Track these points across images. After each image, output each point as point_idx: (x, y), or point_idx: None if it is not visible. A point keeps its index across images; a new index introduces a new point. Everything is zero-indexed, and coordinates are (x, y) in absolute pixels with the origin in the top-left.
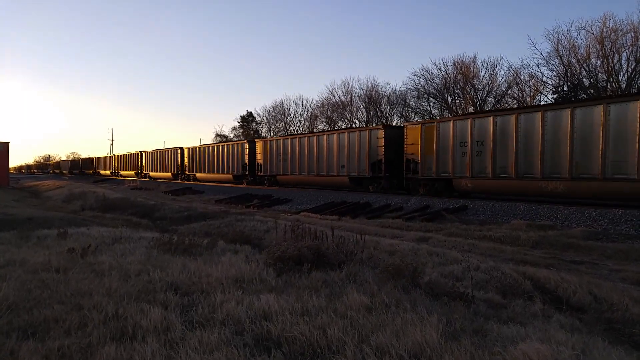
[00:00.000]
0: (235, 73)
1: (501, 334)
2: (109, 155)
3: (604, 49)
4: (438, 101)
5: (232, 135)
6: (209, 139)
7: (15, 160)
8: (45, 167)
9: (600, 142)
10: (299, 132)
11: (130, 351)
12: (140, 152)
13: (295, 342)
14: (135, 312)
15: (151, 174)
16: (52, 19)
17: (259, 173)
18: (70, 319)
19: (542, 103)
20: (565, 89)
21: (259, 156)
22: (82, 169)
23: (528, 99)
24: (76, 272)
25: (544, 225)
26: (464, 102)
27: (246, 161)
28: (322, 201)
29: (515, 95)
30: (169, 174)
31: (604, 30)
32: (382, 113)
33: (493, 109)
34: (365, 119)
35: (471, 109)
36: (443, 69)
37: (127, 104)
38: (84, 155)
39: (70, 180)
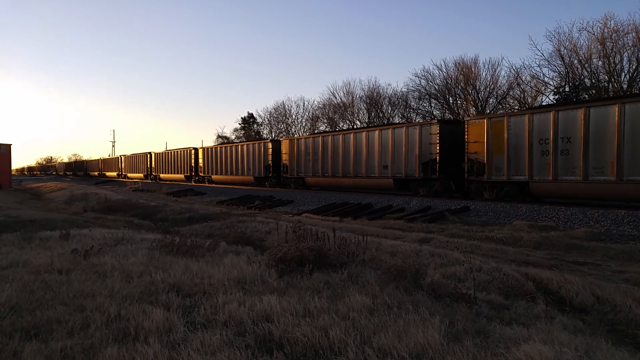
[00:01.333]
0: (236, 74)
1: (504, 335)
2: (115, 156)
3: (606, 49)
4: (439, 102)
5: (233, 137)
6: (210, 140)
7: (17, 162)
8: (47, 169)
9: None
10: (300, 133)
11: (132, 352)
12: (150, 153)
13: (297, 344)
14: (138, 314)
15: (162, 175)
16: (54, 20)
17: (284, 175)
18: (72, 320)
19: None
20: (567, 89)
21: (284, 156)
22: (86, 171)
23: (529, 100)
24: (78, 273)
25: (546, 226)
26: (465, 103)
27: (269, 162)
28: (324, 202)
29: (517, 96)
30: (182, 176)
31: (605, 30)
32: (384, 114)
33: (581, 99)
34: (366, 120)
35: (472, 110)
36: (444, 69)
37: (128, 106)
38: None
39: (73, 182)
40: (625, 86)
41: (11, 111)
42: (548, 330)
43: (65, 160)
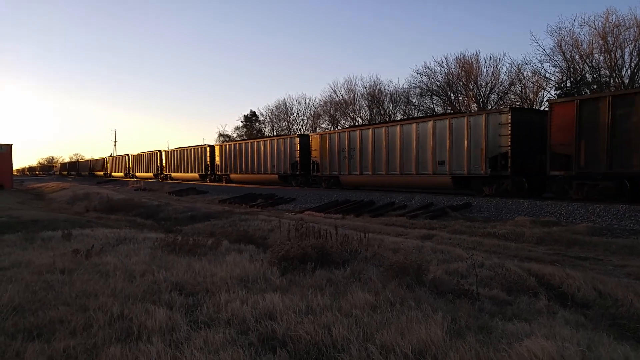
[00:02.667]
0: (237, 72)
1: (506, 330)
2: (121, 154)
3: (607, 44)
4: (441, 98)
5: (235, 135)
6: (212, 139)
7: (19, 162)
8: (48, 169)
9: None
10: (302, 131)
11: (135, 352)
12: (160, 151)
13: (300, 341)
14: (140, 313)
15: (174, 175)
16: (54, 20)
17: (314, 173)
18: (75, 320)
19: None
20: (568, 84)
21: (314, 153)
22: (91, 170)
23: (531, 96)
24: (81, 273)
25: (548, 221)
26: (466, 99)
27: (297, 159)
28: (326, 200)
29: (519, 91)
30: (196, 175)
31: (607, 25)
32: (385, 111)
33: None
34: (368, 117)
35: (474, 106)
36: (445, 66)
37: (128, 106)
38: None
39: (74, 182)
40: (627, 81)
41: (12, 111)
42: (550, 325)
43: (67, 159)
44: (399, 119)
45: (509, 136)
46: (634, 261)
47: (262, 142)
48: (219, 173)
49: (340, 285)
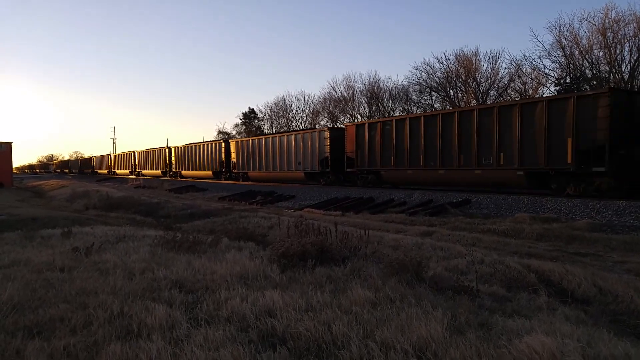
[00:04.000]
0: (236, 70)
1: (506, 327)
2: (127, 152)
3: (607, 40)
4: (440, 95)
5: (234, 133)
6: (211, 136)
7: (19, 160)
8: (48, 167)
9: None
10: (301, 127)
11: (135, 349)
12: (168, 147)
13: (300, 338)
14: (140, 310)
15: (184, 172)
16: (54, 18)
17: (349, 169)
18: (75, 317)
19: (544, 95)
20: (568, 80)
21: (348, 146)
22: (94, 168)
23: (530, 92)
24: (81, 271)
25: (548, 217)
26: (466, 95)
27: (327, 154)
28: (325, 197)
29: (518, 88)
30: (209, 173)
31: (606, 21)
32: (384, 108)
33: None
34: (367, 114)
35: (474, 103)
36: (445, 62)
37: (127, 102)
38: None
39: (74, 179)
40: (626, 77)
41: (11, 109)
42: (550, 321)
43: (67, 157)
44: (474, 105)
45: (608, 120)
46: (634, 257)
47: (285, 137)
48: (235, 171)
49: (340, 282)
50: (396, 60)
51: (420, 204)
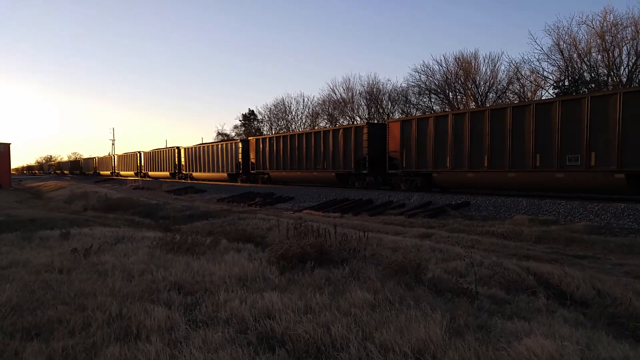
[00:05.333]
0: (236, 71)
1: (505, 329)
2: (132, 152)
3: (605, 43)
4: (439, 97)
5: (233, 134)
6: (210, 137)
7: (17, 161)
8: (47, 168)
9: None
10: (301, 129)
11: (134, 351)
12: (178, 147)
13: (299, 340)
14: (139, 312)
15: (195, 174)
16: (53, 19)
17: (392, 170)
18: (74, 319)
19: (543, 98)
20: (567, 83)
21: (391, 145)
22: (96, 170)
23: (529, 94)
24: (79, 272)
25: (546, 220)
26: (465, 98)
27: (364, 153)
28: (325, 199)
29: (517, 90)
30: (224, 175)
31: (605, 24)
32: (384, 110)
33: None
34: (366, 116)
35: (472, 105)
36: (444, 64)
37: (126, 104)
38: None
39: (72, 180)
40: (624, 80)
41: (10, 110)
42: (549, 324)
43: (65, 158)
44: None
45: None
46: (632, 260)
47: (313, 135)
48: (254, 172)
49: (339, 284)
50: (395, 62)
51: (419, 206)
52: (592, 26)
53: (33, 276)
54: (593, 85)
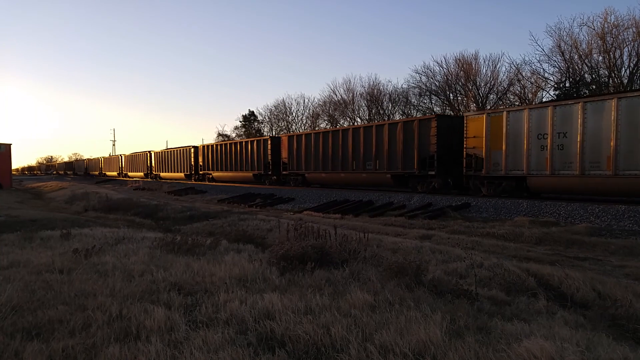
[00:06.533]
0: (236, 72)
1: (505, 331)
2: (141, 152)
3: (606, 44)
4: (440, 98)
5: (234, 135)
6: (210, 138)
7: (17, 161)
8: (47, 168)
9: None
10: (301, 130)
11: (134, 351)
12: (193, 146)
13: (299, 341)
14: (139, 313)
15: (215, 174)
16: (53, 19)
17: (470, 172)
18: (74, 319)
19: (544, 100)
20: (567, 85)
21: (472, 141)
22: (102, 170)
23: (530, 96)
24: (80, 272)
25: (547, 221)
26: (465, 99)
27: (432, 150)
28: (325, 200)
29: (517, 91)
30: (249, 174)
31: (606, 25)
32: (384, 111)
33: None
34: (367, 117)
35: (473, 106)
36: (445, 66)
37: (126, 105)
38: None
39: (73, 181)
40: (625, 81)
41: (10, 111)
42: (549, 325)
43: (66, 159)
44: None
45: None
46: (633, 262)
47: (362, 129)
48: (286, 172)
49: (339, 285)
50: (396, 63)
51: (419, 207)
52: (593, 27)
53: (34, 276)
54: (594, 87)
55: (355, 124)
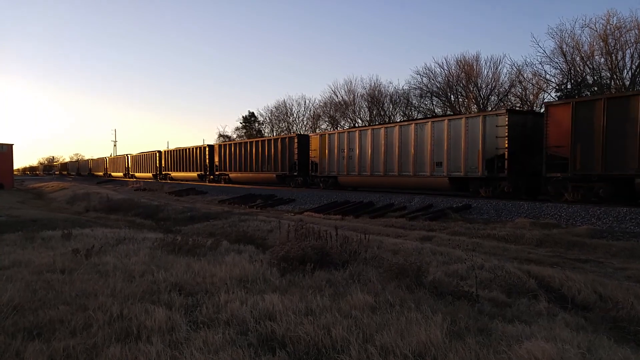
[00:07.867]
0: (236, 72)
1: (506, 332)
2: (149, 151)
3: (608, 46)
4: (441, 100)
5: (234, 136)
6: (211, 139)
7: (19, 162)
8: (49, 169)
9: None
10: (302, 132)
11: (135, 352)
12: (208, 145)
13: (300, 342)
14: (140, 313)
15: (233, 175)
16: (55, 19)
17: (552, 174)
18: (75, 319)
19: (545, 101)
20: (569, 86)
21: (553, 139)
22: (107, 170)
23: (531, 97)
24: (81, 273)
25: (548, 223)
26: (466, 100)
27: (504, 150)
28: (325, 201)
29: (518, 93)
30: (272, 176)
31: (608, 27)
32: (385, 112)
33: None
34: (367, 119)
35: (474, 108)
36: (446, 67)
37: (128, 105)
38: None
39: (74, 181)
40: (627, 83)
41: (12, 111)
42: (550, 327)
43: (67, 159)
44: None
45: None
46: (634, 264)
47: (413, 126)
48: (318, 174)
49: (339, 286)
50: (397, 64)
51: (420, 209)
52: (595, 29)
53: (35, 276)
54: (596, 89)
55: (390, 121)
